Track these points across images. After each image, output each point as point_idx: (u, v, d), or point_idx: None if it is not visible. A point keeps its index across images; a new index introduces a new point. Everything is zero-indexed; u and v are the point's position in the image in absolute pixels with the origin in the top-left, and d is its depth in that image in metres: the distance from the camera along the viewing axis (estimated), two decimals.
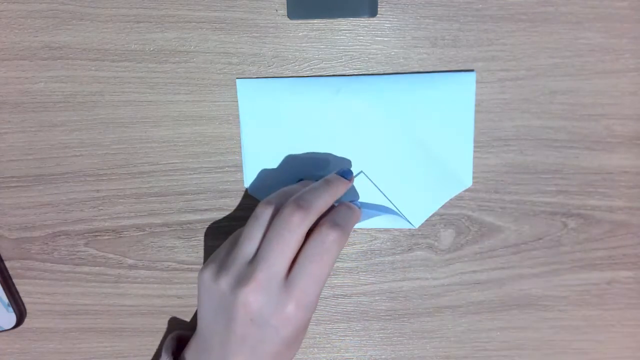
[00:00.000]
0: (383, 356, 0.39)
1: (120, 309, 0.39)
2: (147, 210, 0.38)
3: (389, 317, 0.39)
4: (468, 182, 0.36)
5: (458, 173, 0.36)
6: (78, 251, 0.39)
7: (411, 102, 0.35)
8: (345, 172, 0.33)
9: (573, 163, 0.36)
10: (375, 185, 0.36)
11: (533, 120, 0.35)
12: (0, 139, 0.37)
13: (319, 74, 0.35)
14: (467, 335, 0.38)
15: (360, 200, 0.36)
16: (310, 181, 0.34)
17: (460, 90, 0.35)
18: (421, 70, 0.35)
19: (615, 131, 0.35)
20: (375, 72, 0.35)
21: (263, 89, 0.35)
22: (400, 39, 0.35)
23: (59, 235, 0.39)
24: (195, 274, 0.39)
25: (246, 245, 0.30)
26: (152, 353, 0.40)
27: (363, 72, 0.35)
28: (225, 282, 0.29)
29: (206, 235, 0.38)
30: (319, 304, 0.39)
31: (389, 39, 0.35)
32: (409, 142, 0.35)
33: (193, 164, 0.37)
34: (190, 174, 0.37)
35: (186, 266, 0.39)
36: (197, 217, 0.38)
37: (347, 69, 0.35)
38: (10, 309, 0.39)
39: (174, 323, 0.39)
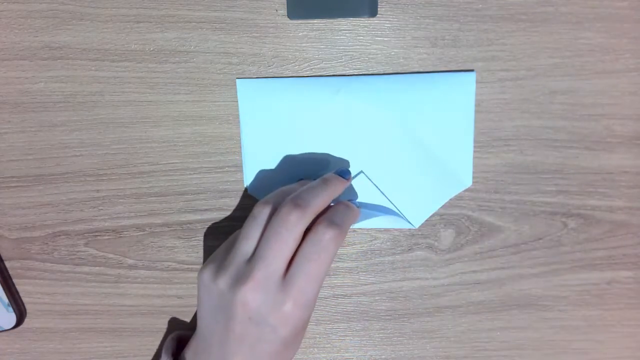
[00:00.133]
0: (383, 356, 0.39)
1: (120, 309, 0.39)
2: (147, 210, 0.38)
3: (389, 317, 0.39)
4: (468, 182, 0.36)
5: (458, 173, 0.36)
6: (78, 251, 0.39)
7: (411, 102, 0.35)
8: (343, 172, 0.33)
9: (573, 163, 0.36)
10: (375, 186, 0.36)
11: (533, 120, 0.35)
12: (0, 139, 0.37)
13: (319, 74, 0.35)
14: (467, 335, 0.38)
15: (360, 200, 0.36)
16: (309, 181, 0.34)
17: (460, 90, 0.35)
18: (421, 70, 0.35)
19: (615, 131, 0.35)
20: (375, 72, 0.35)
21: (263, 89, 0.35)
22: (400, 39, 0.35)
23: (59, 235, 0.39)
24: (195, 274, 0.39)
25: (244, 244, 0.30)
26: (152, 353, 0.40)
27: (363, 72, 0.35)
28: (224, 281, 0.29)
29: (206, 235, 0.38)
30: (319, 304, 0.39)
31: (389, 39, 0.35)
32: (409, 142, 0.35)
33: (193, 164, 0.37)
34: (190, 174, 0.37)
35: (186, 266, 0.39)
36: (197, 217, 0.38)
37: (347, 69, 0.35)
38: (10, 309, 0.39)
39: (174, 323, 0.39)
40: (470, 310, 0.38)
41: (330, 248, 0.29)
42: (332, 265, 0.38)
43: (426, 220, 0.37)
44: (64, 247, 0.39)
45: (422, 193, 0.36)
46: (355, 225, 0.37)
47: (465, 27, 0.34)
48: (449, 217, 0.37)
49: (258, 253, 0.29)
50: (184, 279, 0.39)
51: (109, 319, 0.39)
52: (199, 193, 0.37)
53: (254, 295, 0.28)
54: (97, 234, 0.38)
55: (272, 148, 0.36)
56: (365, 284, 0.38)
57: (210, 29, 0.35)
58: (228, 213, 0.38)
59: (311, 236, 0.29)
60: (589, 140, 0.35)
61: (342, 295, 0.39)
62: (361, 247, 0.38)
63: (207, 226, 0.38)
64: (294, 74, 0.36)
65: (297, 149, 0.36)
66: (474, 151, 0.36)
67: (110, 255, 0.39)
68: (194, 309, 0.39)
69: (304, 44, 0.35)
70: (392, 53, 0.35)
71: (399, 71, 0.35)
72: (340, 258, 0.38)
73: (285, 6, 0.35)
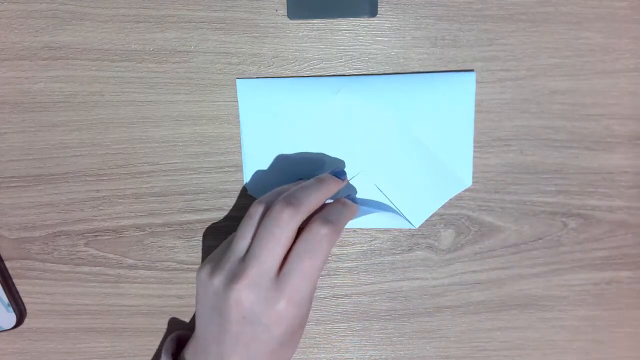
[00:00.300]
0: (383, 356, 0.39)
1: (120, 309, 0.39)
2: (147, 210, 0.38)
3: (389, 317, 0.39)
4: (468, 182, 0.36)
5: (458, 173, 0.36)
6: (78, 251, 0.39)
7: (411, 102, 0.35)
8: (338, 172, 0.33)
9: (573, 163, 0.36)
10: (375, 185, 0.36)
11: (533, 120, 0.35)
12: (0, 139, 0.37)
13: (319, 74, 0.35)
14: (467, 335, 0.38)
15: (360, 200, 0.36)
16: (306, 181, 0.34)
17: (460, 90, 0.35)
18: (421, 70, 0.35)
19: (615, 131, 0.35)
20: (375, 72, 0.35)
21: (263, 89, 0.35)
22: (400, 39, 0.35)
23: (59, 235, 0.39)
24: (195, 274, 0.39)
25: (239, 243, 0.30)
26: (152, 353, 0.40)
27: (363, 72, 0.35)
28: (219, 279, 0.29)
29: (206, 235, 0.38)
30: (319, 304, 0.39)
31: (389, 39, 0.35)
32: (409, 142, 0.35)
33: (193, 164, 0.37)
34: (190, 174, 0.37)
35: (186, 266, 0.39)
36: (197, 217, 0.38)
37: (347, 69, 0.35)
38: (10, 309, 0.39)
39: (174, 323, 0.39)
40: (470, 310, 0.38)
41: (324, 245, 0.29)
42: (332, 265, 0.38)
43: (426, 220, 0.37)
44: (64, 247, 0.39)
45: (422, 193, 0.36)
46: (355, 223, 0.37)
47: (465, 27, 0.34)
48: (449, 217, 0.37)
49: (251, 251, 0.29)
50: (184, 279, 0.39)
51: (109, 319, 0.39)
52: (199, 193, 0.37)
53: (247, 293, 0.28)
54: (97, 234, 0.38)
55: (272, 148, 0.36)
56: (365, 284, 0.38)
57: (210, 29, 0.35)
58: (228, 213, 0.38)
59: (305, 234, 0.29)
60: (588, 140, 0.35)
61: (342, 295, 0.39)
62: (361, 247, 0.38)
63: (207, 226, 0.38)
64: (294, 74, 0.36)
65: (297, 149, 0.36)
66: (474, 151, 0.36)
67: (110, 255, 0.39)
68: (194, 309, 0.39)
69: (304, 44, 0.35)
70: (392, 53, 0.35)
71: (399, 71, 0.35)
72: (340, 258, 0.38)
73: (285, 6, 0.35)
